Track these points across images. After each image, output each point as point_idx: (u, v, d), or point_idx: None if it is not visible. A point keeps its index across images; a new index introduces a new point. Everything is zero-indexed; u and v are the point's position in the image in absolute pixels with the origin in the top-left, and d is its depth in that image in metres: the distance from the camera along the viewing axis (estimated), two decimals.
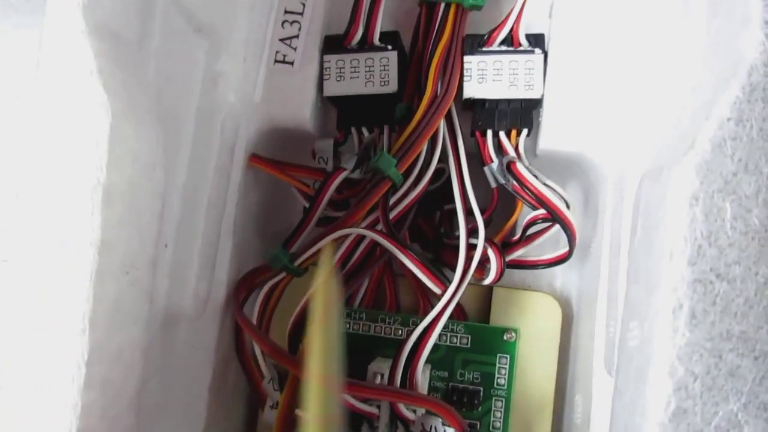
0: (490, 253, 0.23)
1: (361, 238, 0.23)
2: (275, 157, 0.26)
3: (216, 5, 0.21)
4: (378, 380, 0.24)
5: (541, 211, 0.23)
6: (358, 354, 0.26)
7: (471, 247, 0.23)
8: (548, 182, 0.24)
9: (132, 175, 0.16)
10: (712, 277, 0.13)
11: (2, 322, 0.15)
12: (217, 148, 0.22)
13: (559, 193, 0.24)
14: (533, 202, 0.23)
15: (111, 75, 0.15)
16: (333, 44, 0.25)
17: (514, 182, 0.23)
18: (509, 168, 0.23)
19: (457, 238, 0.23)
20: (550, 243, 0.25)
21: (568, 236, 0.23)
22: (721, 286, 0.13)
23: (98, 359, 0.15)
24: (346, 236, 0.23)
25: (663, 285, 0.14)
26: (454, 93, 0.24)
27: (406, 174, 0.24)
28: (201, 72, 0.21)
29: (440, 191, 0.25)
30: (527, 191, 0.23)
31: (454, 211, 0.24)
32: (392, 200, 0.24)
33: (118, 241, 0.15)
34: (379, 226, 0.23)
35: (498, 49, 0.24)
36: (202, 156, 0.22)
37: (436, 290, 0.23)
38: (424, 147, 0.23)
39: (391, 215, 0.24)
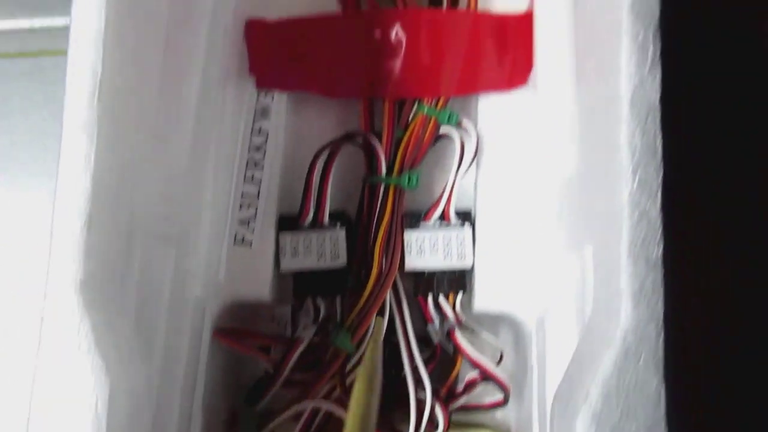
0: (438, 409, 0.26)
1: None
2: (236, 324, 0.28)
3: (183, 214, 0.24)
4: None
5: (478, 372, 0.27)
6: None
7: (419, 402, 0.26)
8: (484, 335, 0.28)
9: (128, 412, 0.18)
10: None
11: None
12: (188, 338, 0.25)
13: (493, 346, 0.27)
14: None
15: (103, 336, 0.17)
16: (287, 223, 0.28)
17: (453, 347, 0.26)
18: (448, 335, 0.26)
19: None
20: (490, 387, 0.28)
21: (502, 391, 0.26)
22: None
23: None
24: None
25: None
26: (397, 268, 0.27)
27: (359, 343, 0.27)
28: (170, 277, 0.23)
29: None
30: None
31: (401, 366, 0.27)
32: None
33: None
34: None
35: (433, 224, 0.28)
36: (174, 348, 0.24)
37: None
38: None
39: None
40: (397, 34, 0.28)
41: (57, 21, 0.36)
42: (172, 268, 0.23)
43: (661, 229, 0.16)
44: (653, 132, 0.16)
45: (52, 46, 0.35)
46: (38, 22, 0.36)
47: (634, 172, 0.16)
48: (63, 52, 0.35)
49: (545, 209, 0.26)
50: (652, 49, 0.16)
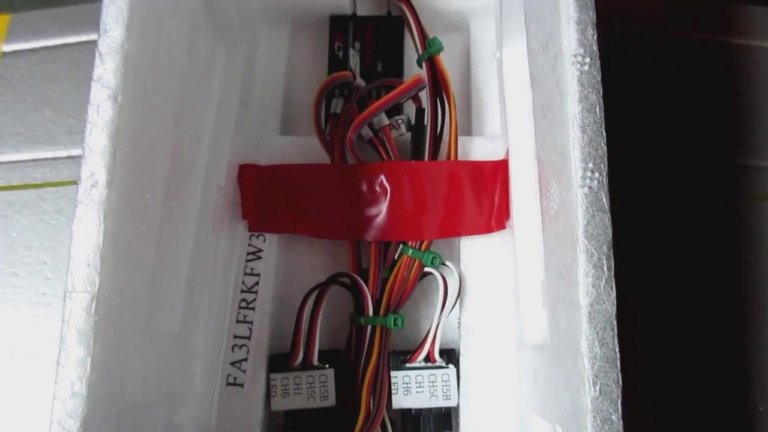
0: None
1: None
2: None
3: (175, 375, 0.25)
4: None
5: None
6: None
7: None
8: None
9: None
10: None
11: None
12: None
13: None
14: None
15: None
16: (278, 363, 0.29)
17: None
18: None
19: None
20: None
21: None
22: None
23: None
24: None
25: None
26: (384, 409, 0.28)
27: None
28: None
29: None
30: None
31: None
32: None
33: None
34: None
35: (418, 365, 0.29)
36: None
37: None
38: None
39: None
40: (381, 184, 0.29)
41: (60, 152, 0.38)
42: (164, 427, 0.24)
43: None
44: (611, 343, 0.17)
45: (55, 178, 0.37)
46: (42, 154, 0.37)
47: (594, 383, 0.17)
48: (65, 183, 0.38)
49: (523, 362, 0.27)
50: (606, 266, 0.17)
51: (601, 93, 0.18)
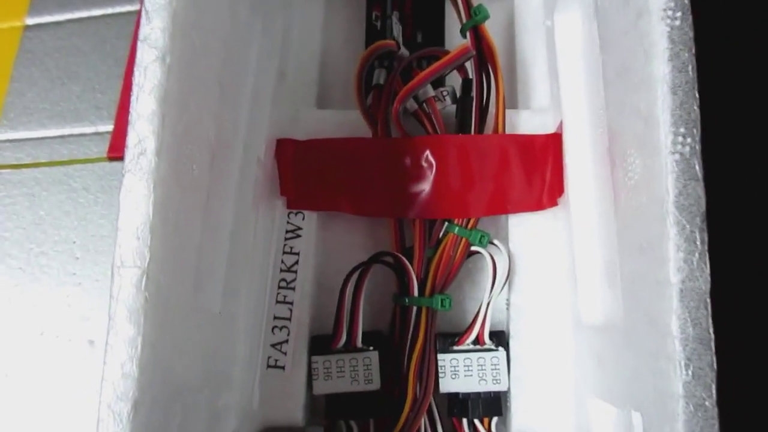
0: None
1: None
2: None
3: (218, 357, 0.24)
4: None
5: None
6: None
7: None
8: None
9: None
10: None
11: None
12: None
13: None
14: None
15: None
16: (320, 345, 0.28)
17: None
18: None
19: None
20: None
21: None
22: None
23: None
24: None
25: None
26: (431, 394, 0.27)
27: None
28: (205, 419, 0.23)
29: None
30: None
31: None
32: None
33: None
34: None
35: (466, 347, 0.27)
36: None
37: None
38: None
39: None
40: (427, 159, 0.28)
41: (86, 129, 0.36)
42: (207, 411, 0.23)
43: (717, 421, 0.16)
44: (705, 323, 0.16)
45: (82, 155, 0.36)
46: (68, 131, 0.36)
47: (687, 366, 0.16)
48: (92, 160, 0.37)
49: (582, 345, 0.26)
50: (700, 240, 0.16)
51: (693, 51, 0.16)
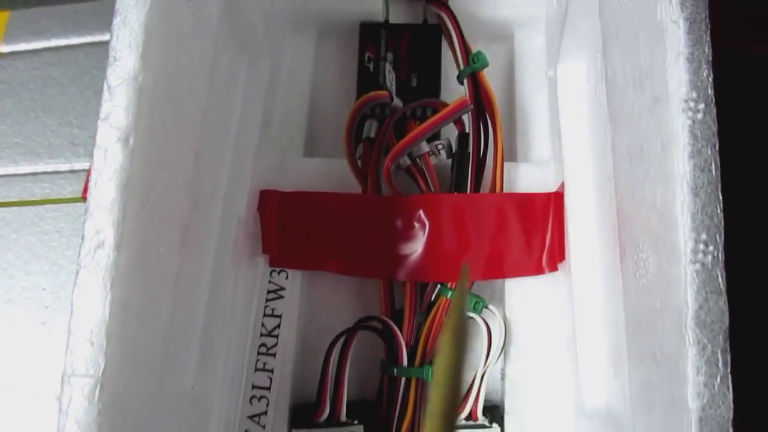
0: None
1: None
2: None
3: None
4: None
5: None
6: None
7: None
8: None
9: None
10: None
11: None
12: None
13: None
14: None
15: None
16: (302, 417, 0.26)
17: None
18: None
19: None
20: None
21: None
22: None
23: None
24: None
25: None
26: None
27: None
28: None
29: None
30: None
31: None
32: None
33: None
34: None
35: (458, 423, 0.26)
36: None
37: None
38: None
39: None
40: (420, 218, 0.26)
41: (61, 166, 0.34)
42: None
43: None
44: None
45: (56, 194, 0.34)
46: (42, 167, 0.34)
47: None
48: (66, 200, 0.35)
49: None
50: (722, 362, 0.14)
51: (717, 147, 0.15)
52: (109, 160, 0.15)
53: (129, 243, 0.15)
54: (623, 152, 0.18)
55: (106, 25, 0.38)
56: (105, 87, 0.16)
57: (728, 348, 0.14)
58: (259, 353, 0.26)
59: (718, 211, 0.15)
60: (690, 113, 0.15)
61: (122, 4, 0.15)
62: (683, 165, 0.15)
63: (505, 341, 0.26)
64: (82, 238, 0.15)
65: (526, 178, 0.28)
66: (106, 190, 0.15)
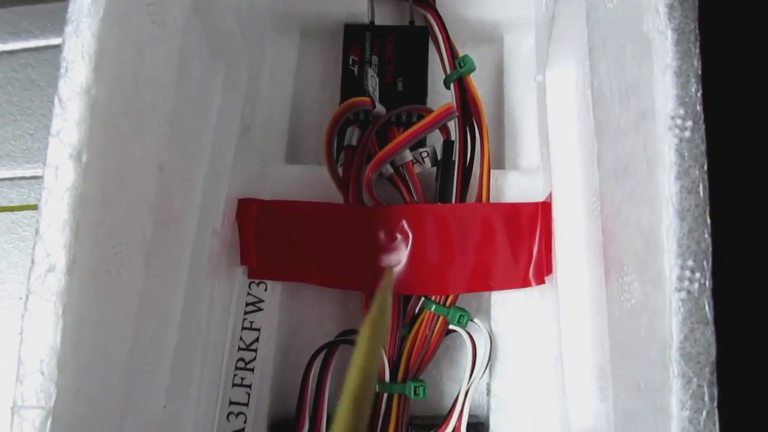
0: None
1: None
2: None
3: None
4: None
5: None
6: None
7: None
8: None
9: None
10: None
11: None
12: None
13: None
14: None
15: None
16: None
17: None
18: None
19: None
20: None
21: None
22: None
23: None
24: None
25: None
26: None
27: None
28: None
29: None
30: None
31: None
32: None
33: None
34: None
35: None
36: None
37: None
38: None
39: None
40: (402, 229, 0.25)
41: (39, 171, 0.33)
42: None
43: None
44: None
45: (34, 200, 0.33)
46: (19, 173, 0.33)
47: None
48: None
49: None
50: (708, 396, 0.13)
51: (705, 167, 0.14)
52: (60, 178, 0.14)
53: (82, 266, 0.15)
54: (609, 168, 0.17)
55: None
56: (56, 100, 0.15)
57: (715, 381, 0.14)
58: (236, 368, 0.26)
59: (706, 235, 0.14)
60: (677, 131, 0.14)
61: (74, 12, 0.15)
62: (669, 186, 0.14)
63: (490, 356, 0.25)
64: (32, 261, 0.14)
65: (515, 186, 0.27)
66: (56, 210, 0.14)
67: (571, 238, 0.24)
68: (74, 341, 0.15)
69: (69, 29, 0.15)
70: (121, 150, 0.16)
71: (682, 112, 0.14)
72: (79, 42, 0.15)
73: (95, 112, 0.15)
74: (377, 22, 0.31)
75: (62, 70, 0.15)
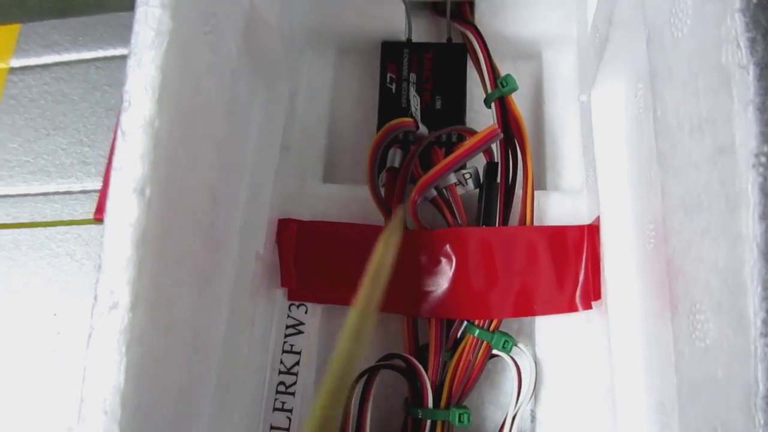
0: None
1: None
2: None
3: None
4: None
5: None
6: None
7: None
8: None
9: None
10: None
11: None
12: None
13: None
14: None
15: None
16: None
17: None
18: None
19: None
20: None
21: None
22: None
23: None
24: None
25: None
26: None
27: None
28: None
29: None
30: None
31: None
32: None
33: None
34: None
35: None
36: None
37: None
38: None
39: None
40: (446, 253, 0.25)
41: (73, 185, 0.33)
42: None
43: None
44: None
45: (67, 215, 0.33)
46: (53, 188, 0.33)
47: None
48: (78, 222, 0.34)
49: None
50: None
51: None
52: (123, 213, 0.14)
53: (144, 302, 0.14)
54: (676, 201, 0.17)
55: (118, 39, 0.37)
56: (119, 133, 0.14)
57: None
58: (277, 392, 0.25)
59: None
60: (761, 169, 0.13)
61: (137, 44, 0.14)
62: (753, 226, 0.13)
63: (536, 382, 0.25)
64: (95, 297, 0.14)
65: (557, 207, 0.27)
66: (120, 246, 0.14)
67: (623, 265, 0.23)
68: (136, 379, 0.14)
69: (131, 62, 0.15)
70: (180, 181, 0.16)
71: (766, 149, 0.13)
72: (142, 74, 0.14)
73: (158, 144, 0.14)
74: (414, 39, 0.31)
75: (124, 104, 0.15)
